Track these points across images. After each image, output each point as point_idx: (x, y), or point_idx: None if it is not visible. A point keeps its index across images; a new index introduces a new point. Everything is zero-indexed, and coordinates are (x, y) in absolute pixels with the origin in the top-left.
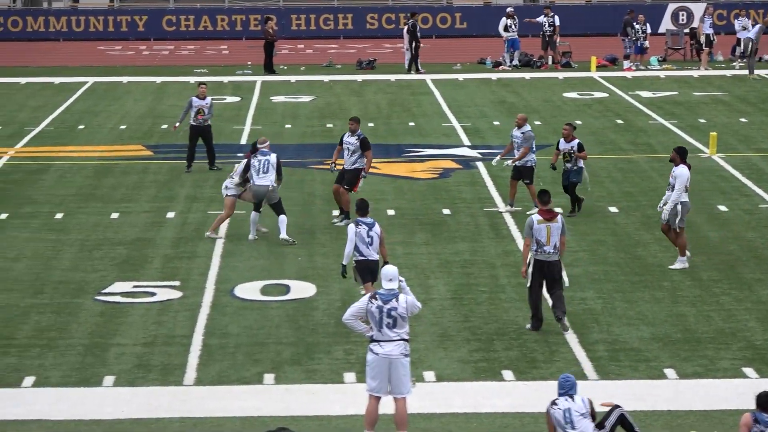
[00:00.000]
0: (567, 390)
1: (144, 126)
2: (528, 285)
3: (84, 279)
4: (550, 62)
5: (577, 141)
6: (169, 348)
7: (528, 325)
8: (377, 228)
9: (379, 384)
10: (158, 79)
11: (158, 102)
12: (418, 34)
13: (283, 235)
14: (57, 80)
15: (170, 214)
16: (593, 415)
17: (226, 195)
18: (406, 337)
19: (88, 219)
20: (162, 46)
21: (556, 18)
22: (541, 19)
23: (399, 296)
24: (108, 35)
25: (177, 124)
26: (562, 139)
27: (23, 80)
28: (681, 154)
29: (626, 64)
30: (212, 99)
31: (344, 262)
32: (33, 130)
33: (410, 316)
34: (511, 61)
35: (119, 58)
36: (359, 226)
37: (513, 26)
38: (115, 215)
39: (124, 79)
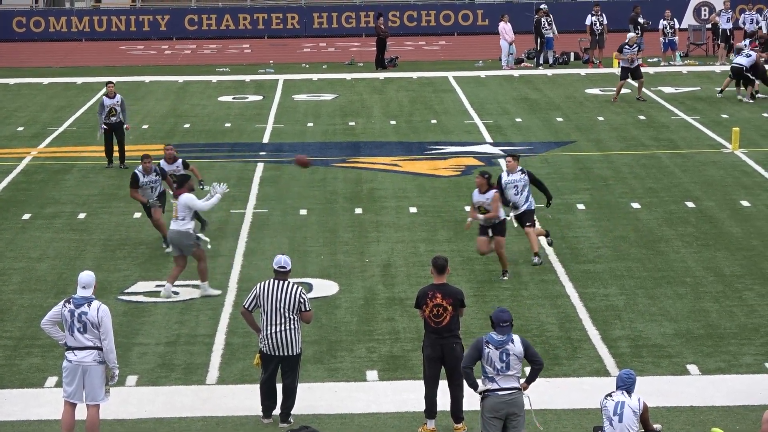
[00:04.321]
0: (628, 386)
1: (166, 125)
2: None
3: (107, 278)
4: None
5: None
6: (192, 347)
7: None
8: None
9: (74, 390)
10: (180, 79)
11: (180, 101)
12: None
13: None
14: (79, 80)
15: None
16: (645, 419)
17: None
18: (99, 345)
19: (111, 219)
20: (184, 46)
21: (604, 16)
22: (590, 18)
23: (92, 303)
24: (130, 35)
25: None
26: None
27: (46, 80)
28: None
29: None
30: (122, 97)
31: None
32: (56, 130)
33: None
34: (543, 62)
35: (141, 57)
36: None
37: (547, 24)
38: (137, 215)
39: (146, 79)
